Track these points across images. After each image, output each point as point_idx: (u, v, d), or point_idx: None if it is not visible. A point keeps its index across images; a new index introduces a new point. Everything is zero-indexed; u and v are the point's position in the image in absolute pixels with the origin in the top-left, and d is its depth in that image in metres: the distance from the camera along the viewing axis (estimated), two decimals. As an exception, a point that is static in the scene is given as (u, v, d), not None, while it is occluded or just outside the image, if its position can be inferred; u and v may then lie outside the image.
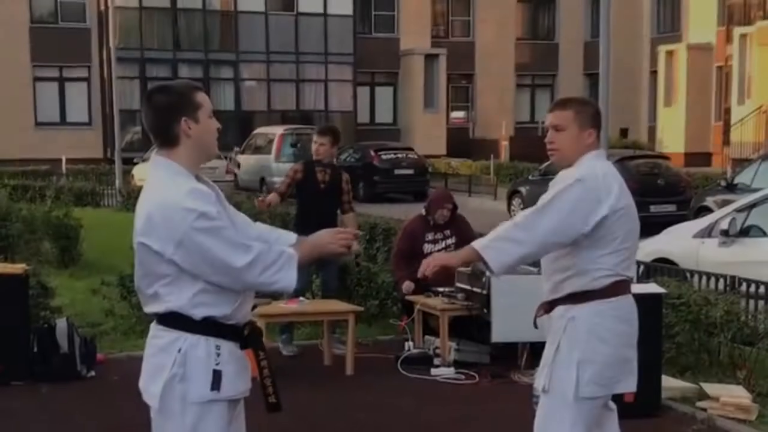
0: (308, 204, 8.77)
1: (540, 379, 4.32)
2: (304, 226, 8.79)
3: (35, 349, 7.76)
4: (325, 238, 3.62)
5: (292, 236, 3.79)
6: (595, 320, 4.19)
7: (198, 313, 3.45)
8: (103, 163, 33.00)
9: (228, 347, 3.51)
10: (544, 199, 4.17)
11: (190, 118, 3.51)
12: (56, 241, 13.36)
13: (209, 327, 3.47)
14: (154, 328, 3.56)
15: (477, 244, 4.15)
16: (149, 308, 3.56)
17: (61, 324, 7.90)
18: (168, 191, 3.43)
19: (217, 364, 3.46)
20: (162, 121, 3.53)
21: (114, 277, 9.84)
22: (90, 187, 25.33)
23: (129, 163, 29.33)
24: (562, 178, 4.23)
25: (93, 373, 7.88)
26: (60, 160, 31.18)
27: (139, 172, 28.84)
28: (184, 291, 3.45)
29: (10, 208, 13.39)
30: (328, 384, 7.78)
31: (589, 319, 4.19)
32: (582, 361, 4.18)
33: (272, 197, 8.94)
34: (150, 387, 3.53)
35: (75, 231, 13.39)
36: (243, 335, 3.58)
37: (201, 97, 3.57)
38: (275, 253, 3.47)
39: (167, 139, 3.53)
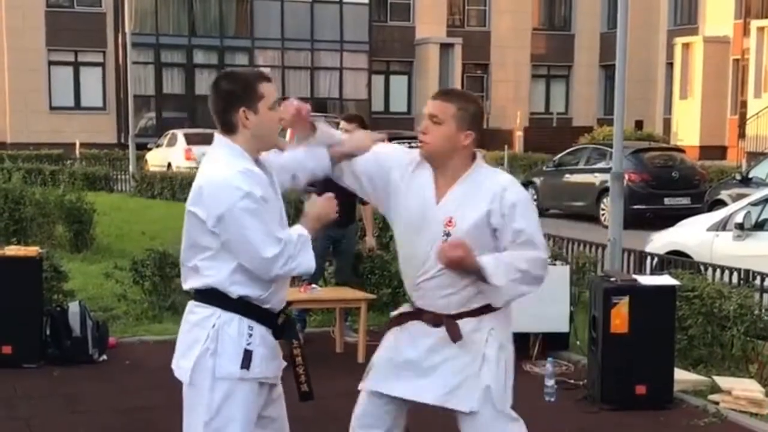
0: (328, 192, 8.70)
1: (463, 398, 3.94)
2: None
3: (48, 332, 7.79)
4: (317, 208, 3.76)
5: (325, 157, 3.99)
6: (507, 326, 4.07)
7: (234, 291, 3.53)
8: (116, 149, 33.04)
9: (261, 331, 3.59)
10: (528, 225, 3.90)
11: (249, 109, 3.57)
12: (69, 225, 13.39)
13: (244, 306, 3.55)
14: (190, 305, 3.65)
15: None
16: (189, 283, 3.65)
17: (73, 307, 7.92)
18: (222, 168, 3.53)
19: (248, 344, 3.54)
20: (222, 108, 3.62)
21: (127, 261, 9.85)
22: (103, 172, 25.37)
23: (143, 148, 29.37)
24: (494, 191, 3.91)
25: (105, 357, 7.90)
26: (74, 144, 31.25)
27: (152, 157, 28.89)
28: (223, 267, 3.53)
29: (24, 191, 13.43)
30: (340, 371, 7.76)
31: (505, 325, 4.05)
32: (508, 369, 4.04)
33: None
34: (182, 362, 3.60)
35: (88, 215, 13.42)
36: (277, 324, 3.66)
37: (265, 87, 3.61)
38: (294, 242, 3.54)
39: (226, 126, 3.63)
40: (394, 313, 4.24)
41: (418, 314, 4.03)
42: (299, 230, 3.61)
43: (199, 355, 3.52)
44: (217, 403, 3.51)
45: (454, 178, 3.95)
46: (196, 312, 3.60)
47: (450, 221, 3.88)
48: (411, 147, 4.15)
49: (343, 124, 8.79)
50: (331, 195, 3.81)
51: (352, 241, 8.93)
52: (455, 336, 3.90)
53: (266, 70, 31.27)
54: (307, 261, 3.56)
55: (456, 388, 3.94)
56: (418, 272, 3.96)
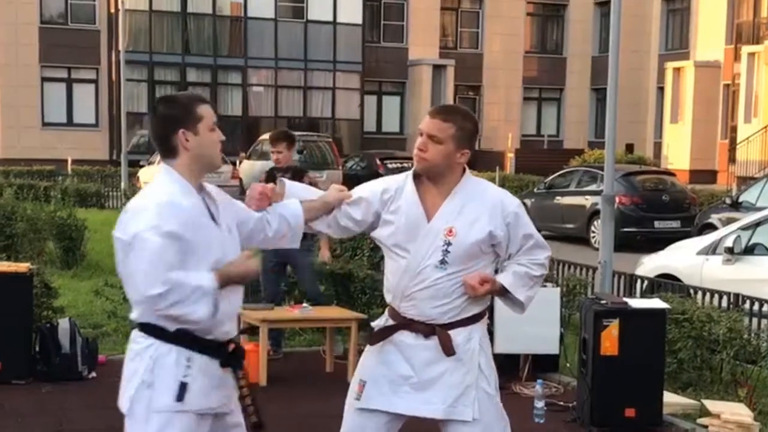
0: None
1: (465, 408, 4.00)
2: None
3: (37, 349, 7.78)
4: (238, 269, 3.59)
5: (297, 206, 3.93)
6: (486, 333, 4.18)
7: (170, 324, 3.48)
8: (108, 165, 33.02)
9: (202, 361, 3.53)
10: (533, 229, 4.11)
11: (188, 131, 3.55)
12: (60, 242, 13.37)
13: (182, 338, 3.50)
14: (134, 333, 3.62)
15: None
16: (132, 314, 3.60)
17: (63, 324, 7.90)
18: (147, 195, 3.54)
19: (185, 376, 3.49)
20: (162, 132, 3.60)
21: (117, 278, 9.80)
22: (95, 188, 25.33)
23: (135, 165, 29.35)
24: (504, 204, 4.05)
25: (94, 374, 7.88)
26: (66, 160, 31.22)
27: (144, 174, 28.87)
28: None
29: (15, 207, 13.41)
30: (330, 391, 7.75)
31: (485, 332, 4.16)
32: (496, 374, 4.14)
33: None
34: (123, 392, 3.59)
35: (79, 232, 13.39)
36: (225, 353, 3.60)
37: (203, 109, 3.60)
38: (188, 289, 3.42)
39: (166, 150, 3.60)
40: (377, 323, 4.19)
41: (407, 325, 4.04)
42: (205, 280, 3.47)
43: (137, 386, 3.51)
44: None
45: (446, 190, 4.03)
46: (138, 342, 3.57)
47: (450, 231, 3.96)
48: (402, 166, 4.17)
49: (272, 147, 8.58)
50: (253, 256, 3.67)
51: (305, 254, 8.68)
52: (448, 350, 3.95)
53: (259, 89, 31.13)
54: (200, 312, 3.43)
55: (457, 399, 3.99)
56: (413, 282, 3.99)
